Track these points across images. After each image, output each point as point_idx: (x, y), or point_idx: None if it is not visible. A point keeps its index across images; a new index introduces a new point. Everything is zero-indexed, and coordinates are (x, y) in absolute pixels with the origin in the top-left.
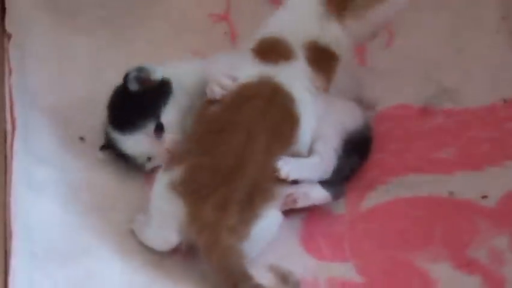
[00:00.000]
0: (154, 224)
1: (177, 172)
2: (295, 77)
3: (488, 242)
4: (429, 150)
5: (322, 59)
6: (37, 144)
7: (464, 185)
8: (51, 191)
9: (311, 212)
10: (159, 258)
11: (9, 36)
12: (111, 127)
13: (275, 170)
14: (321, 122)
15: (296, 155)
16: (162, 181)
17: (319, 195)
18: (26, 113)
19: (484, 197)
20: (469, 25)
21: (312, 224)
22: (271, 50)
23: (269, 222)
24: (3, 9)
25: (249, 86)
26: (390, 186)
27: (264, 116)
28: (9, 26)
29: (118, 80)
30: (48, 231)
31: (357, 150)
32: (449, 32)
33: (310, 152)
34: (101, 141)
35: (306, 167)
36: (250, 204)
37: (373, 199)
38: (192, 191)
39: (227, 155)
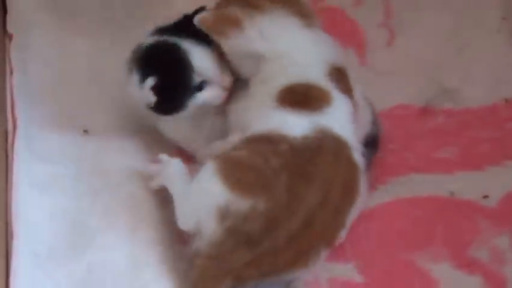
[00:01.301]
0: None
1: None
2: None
3: (489, 242)
4: (430, 150)
5: (342, 79)
6: (38, 143)
7: (465, 185)
8: (52, 190)
9: None
10: (164, 249)
11: (10, 37)
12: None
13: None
14: None
15: None
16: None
17: None
18: (27, 113)
19: (485, 196)
20: (470, 25)
21: None
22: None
23: None
24: (5, 10)
25: (311, 138)
26: (391, 186)
27: (336, 171)
28: (10, 27)
29: (118, 81)
30: (50, 230)
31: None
32: (450, 32)
33: None
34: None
35: None
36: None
37: (374, 199)
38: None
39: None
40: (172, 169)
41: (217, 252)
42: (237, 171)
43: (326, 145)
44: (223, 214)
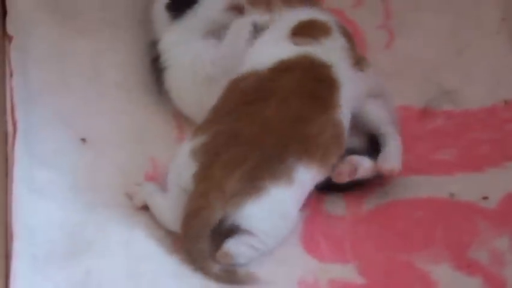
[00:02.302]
0: (171, 199)
1: (200, 139)
2: (333, 50)
3: (489, 244)
4: (430, 152)
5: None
6: (38, 146)
7: (465, 186)
8: (52, 192)
9: (311, 213)
10: (164, 250)
11: (10, 38)
12: None
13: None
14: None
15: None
16: (184, 149)
17: (370, 165)
18: (27, 115)
19: (485, 198)
20: (470, 26)
21: (312, 225)
22: (310, 29)
23: (276, 204)
24: (4, 11)
25: (287, 61)
26: (391, 188)
27: (300, 83)
28: (10, 28)
29: (118, 82)
30: (49, 233)
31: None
32: (449, 33)
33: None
34: (103, 142)
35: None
36: (255, 176)
37: (374, 200)
38: (208, 153)
39: (254, 122)
40: (147, 189)
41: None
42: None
43: (298, 64)
44: (193, 152)
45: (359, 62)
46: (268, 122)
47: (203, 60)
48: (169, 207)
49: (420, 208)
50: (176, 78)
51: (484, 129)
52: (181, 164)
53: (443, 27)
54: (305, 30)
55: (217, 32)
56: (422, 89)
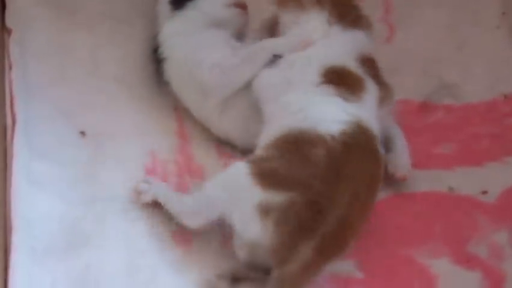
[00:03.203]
0: (202, 201)
1: (273, 196)
2: (371, 109)
3: (488, 238)
4: (429, 146)
5: (371, 66)
6: (37, 139)
7: (464, 180)
8: (51, 186)
9: None
10: (163, 245)
11: (9, 32)
12: None
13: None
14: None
15: None
16: (245, 178)
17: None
18: (26, 108)
19: (484, 192)
20: (469, 20)
21: None
22: (346, 80)
23: None
24: (3, 5)
25: (348, 134)
26: (390, 182)
27: (364, 169)
28: (9, 21)
29: (117, 75)
30: (48, 226)
31: None
32: (449, 27)
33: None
34: (102, 135)
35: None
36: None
37: None
38: (289, 224)
39: (331, 203)
40: (159, 190)
41: (284, 251)
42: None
43: (357, 141)
44: (264, 209)
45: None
46: (340, 210)
47: (201, 60)
48: (193, 210)
49: (420, 202)
50: (175, 69)
51: (484, 124)
52: (241, 190)
53: (443, 22)
54: (341, 81)
55: (221, 26)
56: (422, 83)
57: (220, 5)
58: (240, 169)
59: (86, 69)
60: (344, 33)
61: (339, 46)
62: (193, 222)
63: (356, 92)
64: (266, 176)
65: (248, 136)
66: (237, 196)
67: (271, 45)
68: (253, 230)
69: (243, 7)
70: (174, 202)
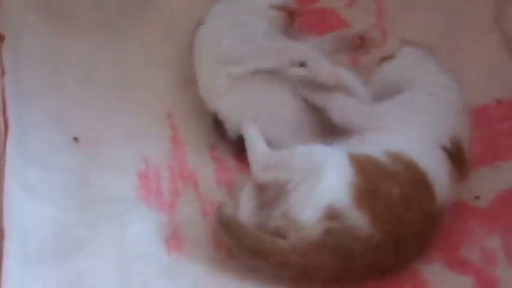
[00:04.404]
0: (283, 160)
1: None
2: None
3: (480, 243)
4: None
5: None
6: (30, 145)
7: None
8: (44, 192)
9: None
10: (156, 251)
11: (2, 38)
12: None
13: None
14: None
15: None
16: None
17: None
18: (19, 114)
19: (476, 197)
20: (462, 25)
21: None
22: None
23: None
24: None
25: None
26: None
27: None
28: (2, 28)
29: (110, 81)
30: (41, 232)
31: None
32: (441, 32)
33: None
34: (95, 141)
35: None
36: None
37: None
38: None
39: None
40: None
41: (310, 255)
42: (372, 187)
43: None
44: (331, 214)
45: None
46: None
47: (237, 34)
48: (269, 164)
49: None
50: (205, 34)
51: (476, 128)
52: (332, 168)
53: (435, 27)
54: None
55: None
56: None
57: (266, 4)
58: (340, 150)
59: (79, 76)
60: None
61: None
62: (261, 175)
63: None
64: (363, 163)
65: (242, 120)
66: (325, 172)
67: (305, 53)
68: (308, 212)
69: (289, 12)
70: (256, 149)
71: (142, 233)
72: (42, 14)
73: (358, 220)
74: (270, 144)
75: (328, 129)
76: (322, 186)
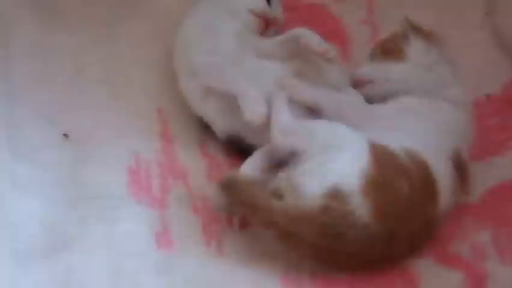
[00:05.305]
0: (304, 129)
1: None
2: None
3: (471, 238)
4: None
5: None
6: (20, 141)
7: None
8: (34, 188)
9: None
10: (146, 247)
11: None
12: None
13: None
14: None
15: None
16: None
17: None
18: (8, 110)
19: None
20: (452, 21)
21: None
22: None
23: None
24: None
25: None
26: None
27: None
28: None
29: (101, 78)
30: (31, 228)
31: None
32: (432, 27)
33: None
34: (85, 138)
35: None
36: None
37: None
38: None
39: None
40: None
41: (299, 224)
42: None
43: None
44: (335, 194)
45: None
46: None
47: (201, 41)
48: (290, 130)
49: None
50: (181, 33)
51: None
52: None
53: (426, 22)
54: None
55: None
56: None
57: (246, 8)
58: (363, 136)
59: (69, 72)
60: None
61: None
62: (280, 138)
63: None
64: (380, 154)
65: (228, 123)
66: (343, 152)
67: (241, 92)
68: (313, 185)
69: (266, 21)
70: (282, 114)
71: (132, 229)
72: (31, 10)
73: (359, 207)
74: (257, 140)
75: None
76: (335, 165)
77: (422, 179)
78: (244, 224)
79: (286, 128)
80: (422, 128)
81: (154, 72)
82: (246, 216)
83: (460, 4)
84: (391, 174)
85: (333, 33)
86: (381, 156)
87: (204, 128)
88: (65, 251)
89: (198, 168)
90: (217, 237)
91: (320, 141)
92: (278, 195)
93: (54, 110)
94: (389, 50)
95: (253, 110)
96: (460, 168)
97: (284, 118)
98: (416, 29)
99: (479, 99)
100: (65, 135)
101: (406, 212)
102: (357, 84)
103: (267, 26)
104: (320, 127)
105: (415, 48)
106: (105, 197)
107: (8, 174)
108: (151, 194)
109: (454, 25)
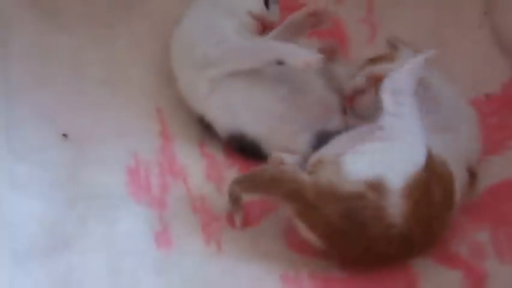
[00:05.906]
0: None
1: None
2: None
3: (470, 237)
4: None
5: None
6: (19, 141)
7: None
8: (33, 188)
9: None
10: (145, 246)
11: None
12: None
13: None
14: None
15: None
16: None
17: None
18: (8, 111)
19: None
20: (451, 20)
21: None
22: None
23: None
24: None
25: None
26: None
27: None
28: None
29: (100, 78)
30: (30, 227)
31: None
32: (431, 27)
33: None
34: (84, 138)
35: None
36: None
37: None
38: None
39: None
40: None
41: (324, 200)
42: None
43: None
44: (376, 185)
45: None
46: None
47: (211, 34)
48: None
49: None
50: (181, 35)
51: None
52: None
53: (425, 22)
54: None
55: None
56: None
57: (245, 10)
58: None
59: (68, 72)
60: None
61: None
62: (385, 94)
63: None
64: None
65: (231, 120)
66: (407, 147)
67: (280, 50)
68: (360, 168)
69: (264, 24)
70: (401, 74)
71: (131, 229)
72: (31, 10)
73: (393, 206)
74: (262, 136)
75: (316, 114)
76: (390, 158)
77: (448, 188)
78: (244, 223)
79: (398, 88)
80: (451, 139)
81: (154, 72)
82: (265, 197)
83: (458, 4)
84: (432, 181)
85: (332, 32)
86: (432, 165)
87: (203, 127)
88: (65, 250)
89: (197, 167)
90: (216, 236)
91: (397, 128)
92: (311, 171)
93: (54, 110)
94: (379, 58)
95: (305, 57)
96: (471, 176)
97: (403, 76)
98: (403, 42)
99: (479, 99)
100: (65, 135)
101: (431, 219)
102: (357, 94)
103: (264, 29)
104: (407, 118)
105: (405, 54)
106: (104, 196)
107: (7, 174)
108: (151, 193)
109: (453, 25)
